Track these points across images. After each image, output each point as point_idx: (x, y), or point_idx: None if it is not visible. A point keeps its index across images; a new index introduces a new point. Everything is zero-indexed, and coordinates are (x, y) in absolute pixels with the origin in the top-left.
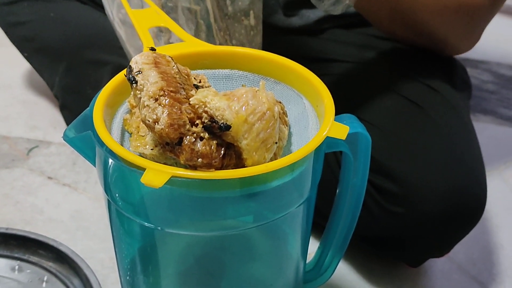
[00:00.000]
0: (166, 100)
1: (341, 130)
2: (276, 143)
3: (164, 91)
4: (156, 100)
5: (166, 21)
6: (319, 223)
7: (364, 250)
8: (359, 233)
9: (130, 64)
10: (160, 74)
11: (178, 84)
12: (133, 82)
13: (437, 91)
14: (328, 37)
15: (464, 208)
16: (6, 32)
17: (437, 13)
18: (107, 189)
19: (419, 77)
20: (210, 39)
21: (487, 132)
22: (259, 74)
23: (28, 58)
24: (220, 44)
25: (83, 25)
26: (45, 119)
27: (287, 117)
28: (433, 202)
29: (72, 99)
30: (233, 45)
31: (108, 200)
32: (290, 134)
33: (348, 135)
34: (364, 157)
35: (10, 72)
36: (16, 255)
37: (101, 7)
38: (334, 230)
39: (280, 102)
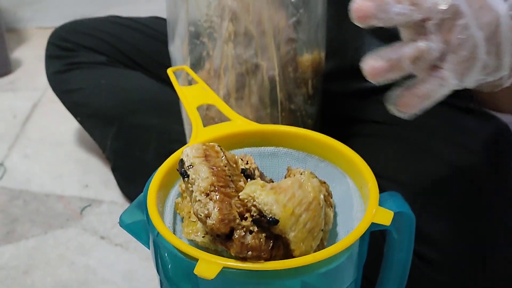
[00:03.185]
0: (216, 196)
1: (386, 216)
2: (322, 230)
3: (215, 187)
4: (207, 195)
5: (213, 98)
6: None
7: None
8: None
9: (182, 157)
10: (210, 169)
11: (227, 177)
12: (185, 176)
13: (481, 157)
14: (371, 98)
15: None
16: (60, 98)
17: None
18: (160, 271)
19: (462, 141)
20: (272, 95)
21: None
22: (303, 152)
23: (81, 123)
24: (281, 102)
25: (131, 91)
26: (96, 177)
27: (331, 198)
28: (478, 271)
29: (123, 161)
30: (291, 108)
31: (160, 280)
32: (335, 214)
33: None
34: (408, 235)
35: (62, 129)
36: None
37: (149, 72)
38: None
39: (324, 182)
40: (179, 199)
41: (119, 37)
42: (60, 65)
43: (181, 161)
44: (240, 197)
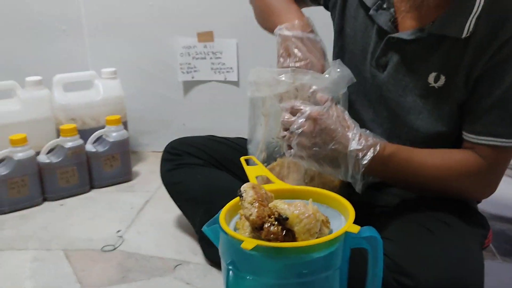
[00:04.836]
0: (256, 204)
1: (355, 228)
2: (316, 232)
3: (256, 200)
4: (252, 204)
5: (265, 171)
6: None
7: None
8: None
9: (240, 189)
10: (254, 192)
11: (264, 199)
12: (241, 196)
13: (449, 224)
14: (375, 188)
15: None
16: (167, 189)
17: (445, 182)
18: (224, 256)
19: (438, 216)
20: (305, 179)
21: None
22: (318, 202)
23: (179, 206)
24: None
25: (218, 182)
26: (186, 247)
27: (329, 224)
28: None
29: None
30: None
31: (225, 264)
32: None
33: (368, 237)
34: (379, 252)
35: (165, 217)
36: None
37: (232, 172)
38: None
39: (326, 217)
40: (239, 220)
41: (212, 148)
42: (170, 165)
43: (240, 190)
44: (269, 206)
